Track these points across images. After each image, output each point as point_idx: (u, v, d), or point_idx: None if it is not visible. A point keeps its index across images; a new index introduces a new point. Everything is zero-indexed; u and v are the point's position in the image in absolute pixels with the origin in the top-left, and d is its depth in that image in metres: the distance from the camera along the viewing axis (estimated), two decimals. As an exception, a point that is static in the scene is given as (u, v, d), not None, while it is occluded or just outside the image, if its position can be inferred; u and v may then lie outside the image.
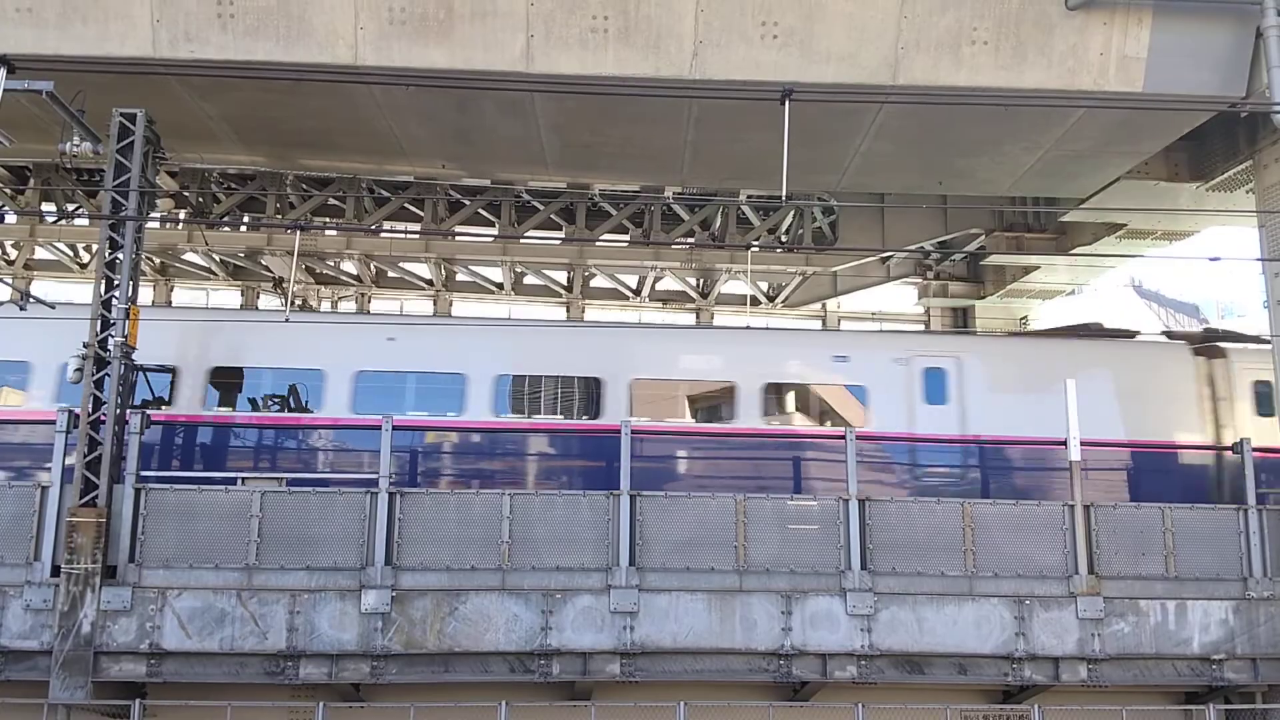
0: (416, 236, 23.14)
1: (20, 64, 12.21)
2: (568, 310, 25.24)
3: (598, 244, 23.40)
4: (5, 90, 11.48)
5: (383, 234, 23.32)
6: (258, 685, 11.77)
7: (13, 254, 23.76)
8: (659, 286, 25.40)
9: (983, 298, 24.10)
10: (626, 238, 23.78)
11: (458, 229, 22.99)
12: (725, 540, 12.53)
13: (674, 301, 25.52)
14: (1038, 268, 22.48)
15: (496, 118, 15.21)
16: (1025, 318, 24.64)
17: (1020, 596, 12.59)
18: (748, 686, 12.79)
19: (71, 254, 23.86)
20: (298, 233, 19.06)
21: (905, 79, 13.61)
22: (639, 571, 12.35)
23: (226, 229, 22.04)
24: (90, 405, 12.36)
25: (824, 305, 25.29)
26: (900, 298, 26.14)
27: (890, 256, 23.34)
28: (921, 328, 24.89)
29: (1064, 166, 16.34)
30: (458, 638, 11.98)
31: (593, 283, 25.47)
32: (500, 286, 25.16)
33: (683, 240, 23.31)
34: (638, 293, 25.25)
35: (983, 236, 21.78)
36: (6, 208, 22.19)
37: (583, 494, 12.80)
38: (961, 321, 24.27)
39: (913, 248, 22.32)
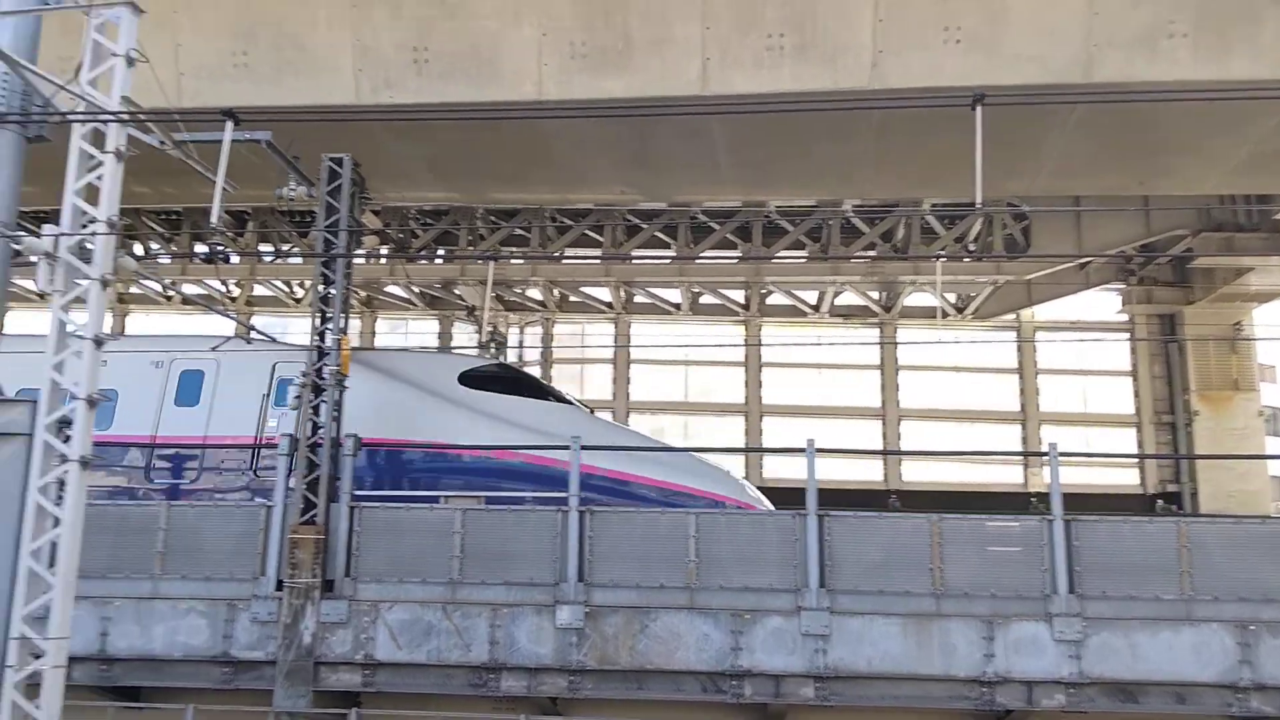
0: (597, 261, 23.72)
1: (241, 116, 13.27)
2: (745, 328, 25.27)
3: (774, 261, 23.34)
4: (242, 143, 12.41)
5: (565, 260, 24.01)
6: (463, 696, 12.25)
7: (235, 291, 25.79)
8: (839, 302, 25.09)
9: (1192, 303, 22.62)
10: (804, 253, 23.62)
11: (635, 252, 23.42)
12: (919, 562, 12.19)
13: (855, 316, 25.14)
14: (1251, 269, 20.92)
15: (674, 142, 15.44)
16: (1239, 323, 22.98)
17: (1244, 621, 11.68)
18: (948, 714, 12.36)
19: (287, 290, 25.70)
20: (490, 263, 19.85)
21: (1099, 77, 13.01)
22: (829, 594, 12.16)
23: (424, 262, 23.22)
24: (309, 430, 13.22)
25: (1018, 315, 24.35)
26: (1101, 305, 24.87)
27: (1089, 262, 22.24)
28: (1125, 337, 23.60)
29: (1276, 160, 15.19)
30: (650, 655, 12.11)
31: (770, 300, 25.40)
32: (677, 307, 25.44)
33: (863, 254, 22.94)
34: (817, 309, 25.01)
35: (1189, 237, 20.47)
36: (230, 249, 24.07)
37: (768, 514, 12.74)
38: (1169, 329, 22.86)
39: (1113, 252, 21.21)
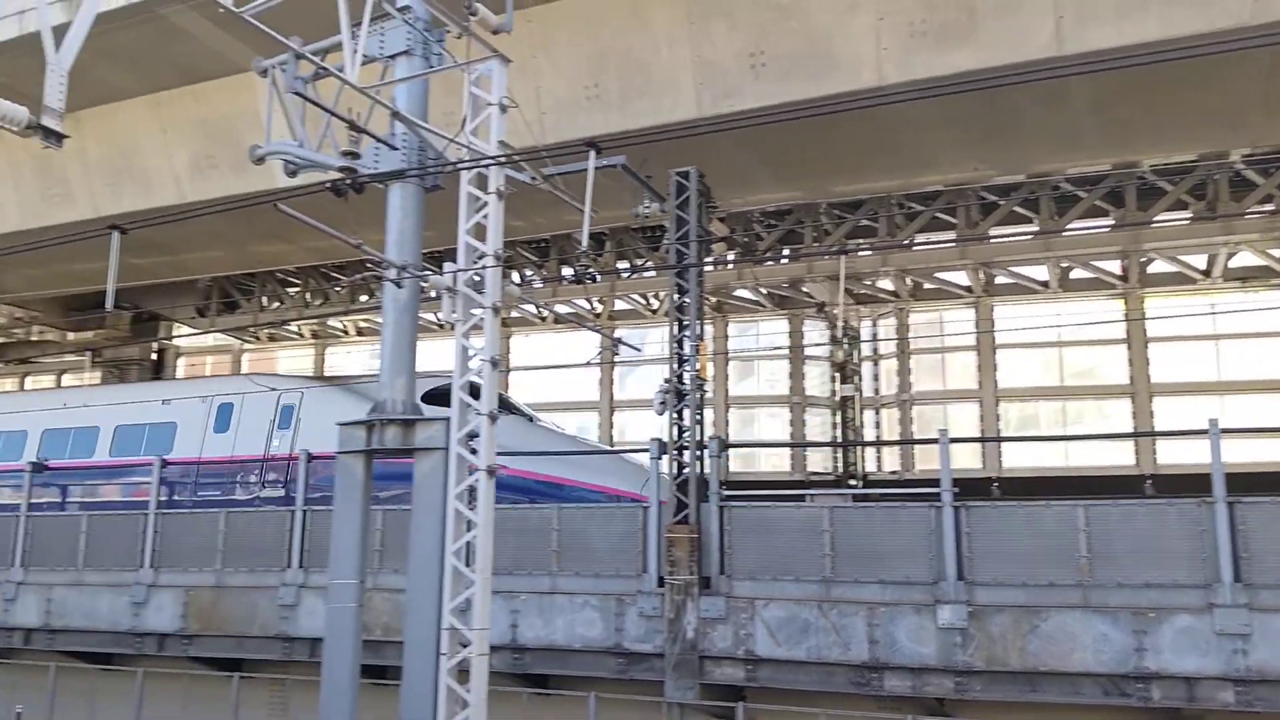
0: (952, 244, 22.82)
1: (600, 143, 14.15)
2: (1125, 302, 23.23)
3: (1154, 225, 21.26)
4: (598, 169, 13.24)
5: (916, 247, 23.32)
6: (846, 694, 12.24)
7: (599, 307, 27.58)
8: (1233, 264, 22.43)
9: None
10: (1188, 214, 21.33)
11: (993, 231, 22.27)
12: (1358, 551, 10.61)
13: (1255, 279, 22.33)
14: None
15: (1029, 109, 14.59)
16: None
17: None
18: None
19: (644, 302, 27.10)
20: (842, 258, 19.74)
21: None
22: (1246, 589, 10.89)
23: (771, 263, 23.54)
24: (675, 434, 13.83)
25: None
26: None
27: None
28: None
29: None
30: (1042, 656, 11.46)
31: (1152, 268, 23.20)
32: (1045, 284, 23.91)
33: (1259, 209, 20.33)
34: (1208, 274, 22.50)
35: None
36: (593, 269, 25.77)
37: (1168, 503, 11.63)
38: None
39: None
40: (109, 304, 12.82)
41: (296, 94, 9.03)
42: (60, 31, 6.97)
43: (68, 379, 33.16)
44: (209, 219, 16.19)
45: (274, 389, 19.37)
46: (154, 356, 31.51)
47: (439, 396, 18.92)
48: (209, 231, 20.10)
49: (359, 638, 9.64)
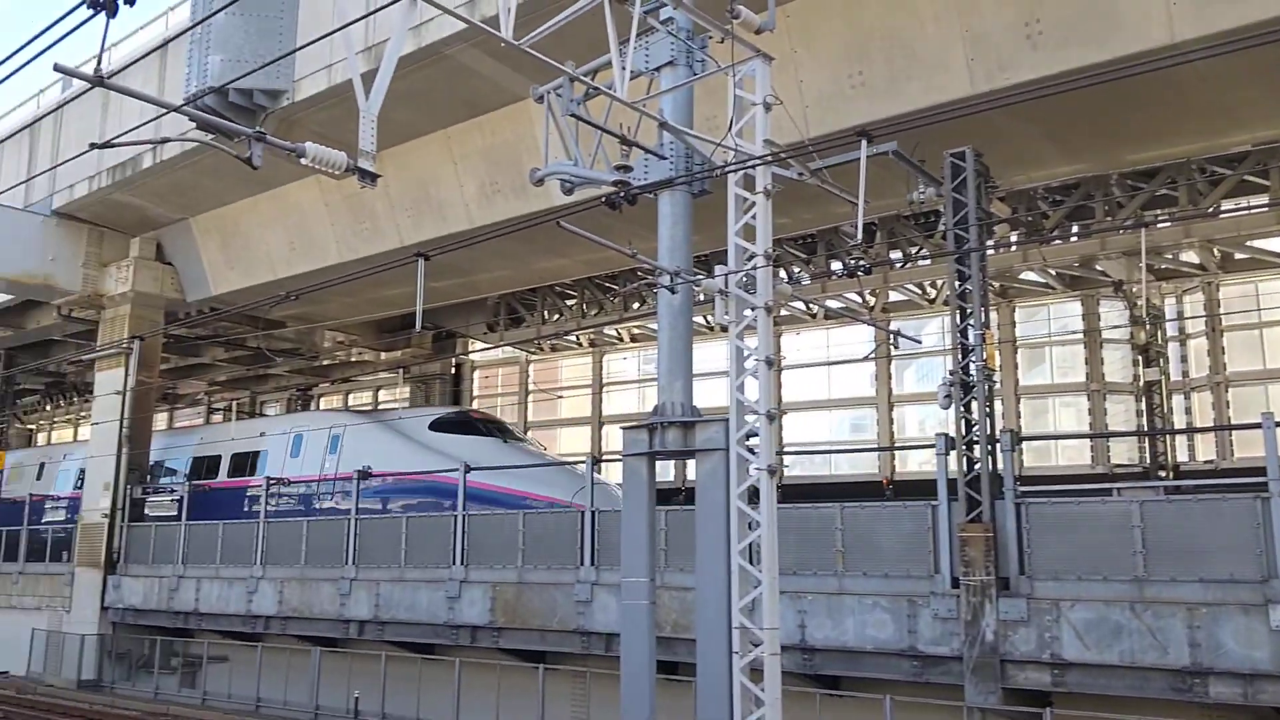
0: (1265, 209, 20.48)
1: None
2: None
3: None
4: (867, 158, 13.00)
5: (1223, 214, 21.11)
6: (1165, 701, 11.31)
7: (871, 300, 26.96)
8: None
9: None
10: None
11: (1316, 190, 19.78)
12: None
13: None
14: None
15: (1356, 50, 12.86)
16: None
17: None
18: None
19: (920, 291, 26.22)
20: (1142, 231, 18.22)
21: None
22: None
23: (1058, 242, 22.09)
24: (963, 427, 13.29)
25: None
26: None
27: None
28: None
29: None
30: (1405, 665, 10.09)
31: None
32: (1390, 245, 21.02)
33: None
34: None
35: None
36: (866, 261, 25.25)
37: None
38: None
39: None
40: (418, 324, 14.01)
41: (572, 115, 9.48)
42: (365, 80, 7.67)
43: (384, 395, 36.49)
44: (494, 240, 17.28)
45: (330, 424, 25.40)
46: (453, 371, 34.05)
47: (446, 424, 23.89)
48: (495, 252, 21.46)
49: (653, 633, 9.97)
